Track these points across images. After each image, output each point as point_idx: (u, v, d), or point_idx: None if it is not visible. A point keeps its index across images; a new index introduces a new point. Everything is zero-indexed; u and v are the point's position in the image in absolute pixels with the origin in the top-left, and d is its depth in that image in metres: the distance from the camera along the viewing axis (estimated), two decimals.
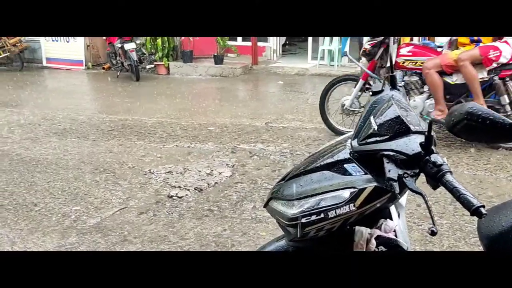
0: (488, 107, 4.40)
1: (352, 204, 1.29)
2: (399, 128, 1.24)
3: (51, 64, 10.94)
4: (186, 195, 3.78)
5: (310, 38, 10.52)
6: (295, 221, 1.36)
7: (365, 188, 1.27)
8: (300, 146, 4.91)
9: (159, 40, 9.79)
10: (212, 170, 4.29)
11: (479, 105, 1.13)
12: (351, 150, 1.39)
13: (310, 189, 1.38)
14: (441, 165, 1.13)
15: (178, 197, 3.75)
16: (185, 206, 3.59)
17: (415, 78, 4.55)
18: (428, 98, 4.55)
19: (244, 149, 4.87)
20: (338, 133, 4.97)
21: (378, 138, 1.28)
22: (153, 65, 10.19)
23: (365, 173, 1.31)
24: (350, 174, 1.35)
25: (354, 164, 1.35)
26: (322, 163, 1.44)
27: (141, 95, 8.12)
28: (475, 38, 4.41)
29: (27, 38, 10.75)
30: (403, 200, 1.46)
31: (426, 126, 1.20)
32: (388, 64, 4.74)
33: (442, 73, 4.45)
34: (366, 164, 1.32)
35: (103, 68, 10.59)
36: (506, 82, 4.34)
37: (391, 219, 1.40)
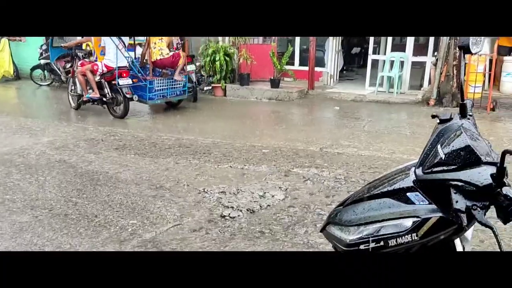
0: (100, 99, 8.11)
1: (414, 234, 1.25)
2: (468, 158, 1.20)
3: None
4: (239, 215, 3.81)
5: (369, 64, 10.40)
6: (353, 247, 1.34)
7: (429, 218, 1.23)
8: (355, 173, 4.83)
9: (217, 63, 10.06)
10: (265, 193, 4.30)
11: None
12: (414, 178, 1.35)
13: (370, 216, 1.36)
14: None
15: (231, 217, 3.78)
16: (237, 227, 3.60)
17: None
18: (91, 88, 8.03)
19: (297, 173, 4.86)
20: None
21: (445, 168, 1.23)
22: (210, 87, 10.47)
23: (430, 203, 1.27)
24: (413, 203, 1.31)
25: (417, 193, 1.31)
26: (383, 190, 1.41)
27: (198, 115, 8.35)
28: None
29: None
30: (469, 233, 1.39)
31: (497, 157, 1.15)
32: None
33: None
34: (431, 194, 1.28)
35: None
36: (105, 82, 7.85)
37: None
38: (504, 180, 1.11)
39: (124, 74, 7.76)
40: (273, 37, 11.06)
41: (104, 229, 3.56)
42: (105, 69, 7.86)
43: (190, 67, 9.34)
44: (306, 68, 10.59)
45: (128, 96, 7.81)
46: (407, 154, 5.46)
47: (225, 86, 10.37)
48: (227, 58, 10.20)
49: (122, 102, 7.86)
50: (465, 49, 1.50)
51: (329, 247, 1.54)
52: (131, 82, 7.84)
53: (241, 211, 3.90)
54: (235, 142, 6.16)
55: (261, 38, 11.56)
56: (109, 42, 7.76)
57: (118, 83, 7.65)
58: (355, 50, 14.35)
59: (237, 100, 10.03)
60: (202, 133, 6.73)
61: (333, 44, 10.87)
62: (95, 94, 7.91)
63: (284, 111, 8.81)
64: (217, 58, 10.06)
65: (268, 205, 4.02)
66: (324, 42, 11.21)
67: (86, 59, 8.45)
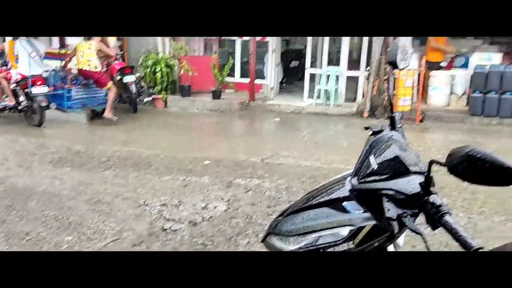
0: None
1: (351, 242, 1.30)
2: (398, 168, 1.27)
3: None
4: (180, 228, 3.76)
5: (306, 78, 10.70)
6: None
7: (364, 226, 1.29)
8: (296, 183, 4.93)
9: (158, 74, 9.92)
10: (207, 204, 4.28)
11: (479, 148, 1.09)
12: (350, 188, 1.41)
13: (308, 226, 1.39)
14: (440, 205, 1.14)
15: (172, 230, 3.72)
16: (179, 240, 3.56)
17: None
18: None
19: (239, 184, 4.88)
20: None
21: (377, 177, 1.30)
22: (150, 98, 10.28)
23: (364, 211, 1.33)
24: (349, 212, 1.36)
25: (353, 202, 1.37)
26: (320, 200, 1.46)
27: (138, 127, 8.16)
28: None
29: None
30: (400, 240, 1.47)
31: (425, 167, 1.22)
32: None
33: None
34: (366, 203, 1.34)
35: None
36: (20, 89, 7.77)
37: None
38: (431, 189, 1.19)
39: (39, 82, 7.75)
40: (214, 49, 11.12)
41: (36, 247, 3.38)
42: (19, 77, 7.83)
43: (130, 78, 9.12)
44: (246, 80, 10.69)
45: (43, 104, 7.75)
46: (344, 164, 5.65)
47: (166, 98, 10.23)
48: (168, 70, 10.09)
49: (38, 110, 7.81)
50: (394, 65, 1.60)
51: None
52: (46, 90, 7.88)
53: (183, 223, 3.85)
54: (176, 154, 6.08)
55: (202, 50, 11.55)
56: (22, 50, 7.80)
57: (30, 91, 7.65)
58: (294, 63, 14.69)
59: (178, 112, 9.92)
60: (143, 145, 6.59)
61: (272, 58, 11.08)
62: (10, 102, 7.90)
63: (225, 122, 8.84)
64: (157, 69, 9.93)
65: (211, 217, 4.00)
66: (263, 55, 11.40)
67: (3, 67, 8.34)
